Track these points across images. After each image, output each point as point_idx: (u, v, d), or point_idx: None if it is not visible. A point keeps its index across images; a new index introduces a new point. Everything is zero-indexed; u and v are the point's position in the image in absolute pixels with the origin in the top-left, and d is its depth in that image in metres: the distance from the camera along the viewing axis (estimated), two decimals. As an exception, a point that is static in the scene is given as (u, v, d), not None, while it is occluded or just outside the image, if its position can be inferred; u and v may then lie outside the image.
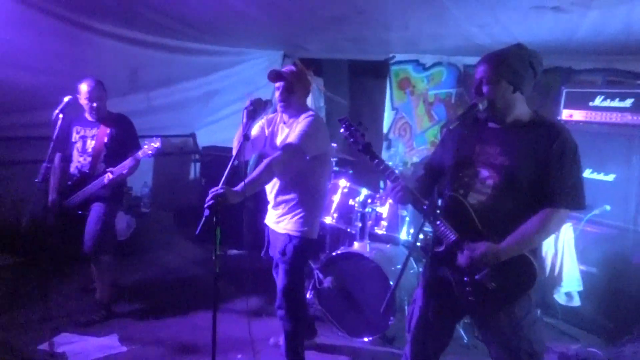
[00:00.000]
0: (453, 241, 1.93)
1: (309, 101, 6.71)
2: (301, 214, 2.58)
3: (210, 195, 2.16)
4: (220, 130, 5.90)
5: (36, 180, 2.88)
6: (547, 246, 3.30)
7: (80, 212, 3.28)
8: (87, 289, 3.57)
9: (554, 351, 3.14)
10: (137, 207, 5.03)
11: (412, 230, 3.31)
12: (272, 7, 3.57)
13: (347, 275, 3.21)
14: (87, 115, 3.30)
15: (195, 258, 4.69)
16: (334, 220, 3.51)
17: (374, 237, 3.42)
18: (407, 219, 3.36)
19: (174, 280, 4.17)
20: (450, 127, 1.90)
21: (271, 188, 2.66)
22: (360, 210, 3.42)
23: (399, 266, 3.25)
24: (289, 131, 2.55)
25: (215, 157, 5.34)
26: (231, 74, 5.73)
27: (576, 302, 3.32)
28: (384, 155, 5.80)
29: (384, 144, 5.90)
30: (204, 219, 2.14)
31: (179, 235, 5.12)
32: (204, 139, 5.99)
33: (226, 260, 4.74)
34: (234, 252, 4.86)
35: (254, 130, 2.69)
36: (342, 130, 2.17)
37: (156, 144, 3.09)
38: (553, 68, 4.37)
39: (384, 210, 3.41)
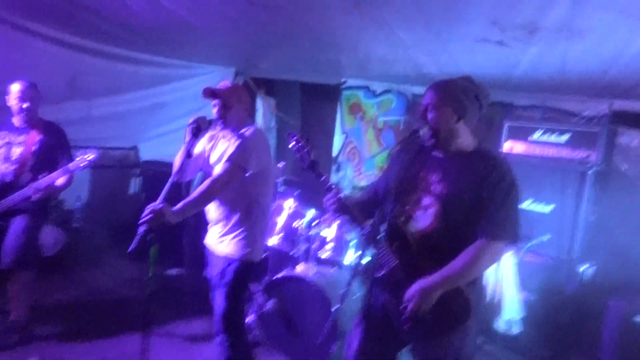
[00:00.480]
0: (393, 267, 1.90)
1: (259, 120, 6.69)
2: (242, 235, 2.48)
3: (147, 211, 2.05)
4: (165, 144, 5.67)
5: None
6: (489, 274, 3.35)
7: (1, 222, 3.01)
8: (1, 310, 3.24)
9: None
10: (68, 221, 4.70)
11: (357, 254, 3.27)
12: (219, 19, 3.50)
13: (290, 299, 3.11)
14: (15, 120, 3.06)
15: (129, 277, 4.41)
16: (278, 242, 3.41)
17: (319, 261, 3.34)
18: (353, 242, 3.31)
19: (103, 300, 3.89)
20: (391, 152, 1.90)
21: (212, 205, 2.53)
22: (305, 232, 3.34)
23: (342, 290, 3.18)
24: (227, 146, 2.47)
25: (158, 172, 5.11)
26: (179, 87, 5.57)
27: (515, 329, 3.38)
28: (333, 177, 5.80)
29: (333, 167, 5.90)
30: (138, 236, 2.02)
31: (112, 253, 4.81)
32: (147, 153, 5.75)
33: (164, 279, 4.49)
34: (174, 271, 4.62)
35: (198, 148, 2.59)
36: (290, 144, 2.12)
37: (90, 155, 2.90)
38: (497, 102, 4.55)
39: (329, 233, 3.35)
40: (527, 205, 3.54)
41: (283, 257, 3.49)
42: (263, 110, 6.74)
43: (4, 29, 3.74)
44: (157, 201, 2.11)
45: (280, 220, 3.45)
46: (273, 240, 3.42)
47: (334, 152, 5.90)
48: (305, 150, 2.07)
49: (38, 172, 2.98)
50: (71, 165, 2.92)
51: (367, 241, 1.96)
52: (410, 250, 1.89)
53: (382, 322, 2.00)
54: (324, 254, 3.33)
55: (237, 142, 2.40)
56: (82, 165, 2.91)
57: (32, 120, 3.08)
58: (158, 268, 4.14)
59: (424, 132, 1.92)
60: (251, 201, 2.48)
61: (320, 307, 2.99)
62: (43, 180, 2.91)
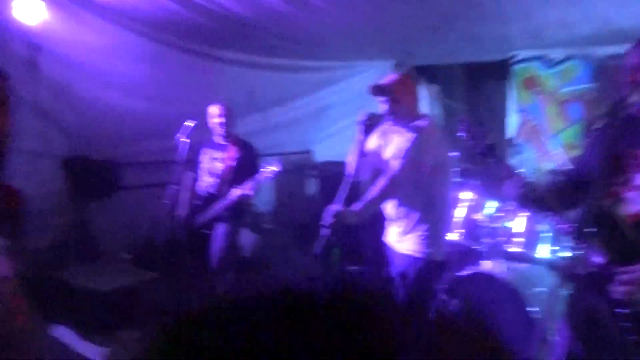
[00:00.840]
0: (602, 263, 1.60)
1: (424, 109, 6.49)
2: (424, 233, 2.40)
3: (327, 214, 2.10)
4: (336, 145, 5.87)
5: (165, 202, 3.07)
6: None
7: (206, 231, 3.43)
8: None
9: None
10: (259, 223, 5.19)
11: (553, 248, 2.90)
12: (379, 13, 3.45)
13: (477, 298, 2.91)
14: (216, 138, 3.45)
15: (314, 275, 4.67)
16: (458, 237, 3.22)
17: (507, 256, 3.06)
18: (547, 234, 2.95)
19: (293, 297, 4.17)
20: (595, 127, 1.58)
21: (391, 202, 2.50)
22: (489, 225, 3.08)
23: (540, 288, 2.87)
24: (402, 140, 2.40)
25: (334, 173, 5.33)
26: (343, 88, 5.74)
27: None
28: (512, 162, 5.32)
29: (511, 150, 5.40)
30: (322, 239, 2.09)
31: (298, 251, 5.17)
32: (321, 155, 6.05)
33: (344, 276, 4.65)
34: (354, 268, 4.76)
35: (371, 145, 2.56)
36: (460, 132, 1.95)
37: (275, 167, 3.13)
38: None
39: (517, 225, 3.04)
40: None
41: (465, 253, 3.29)
42: (427, 99, 6.54)
43: (195, 59, 4.30)
44: (336, 203, 2.16)
45: (460, 214, 3.25)
46: (453, 236, 3.25)
47: (510, 134, 5.40)
48: (480, 134, 1.88)
49: (235, 183, 3.34)
50: (259, 177, 3.17)
51: (566, 233, 1.71)
52: (623, 239, 1.58)
53: (592, 329, 1.72)
54: (512, 248, 3.04)
55: (411, 136, 2.32)
56: (269, 175, 3.15)
57: (230, 138, 3.45)
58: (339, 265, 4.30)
59: (635, 99, 1.58)
60: (431, 196, 2.39)
61: (512, 308, 2.74)
62: (238, 191, 3.22)
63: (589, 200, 1.73)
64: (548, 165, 5.06)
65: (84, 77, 3.69)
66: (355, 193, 2.31)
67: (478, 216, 3.15)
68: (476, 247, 3.18)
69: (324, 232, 2.11)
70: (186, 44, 4.20)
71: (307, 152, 6.10)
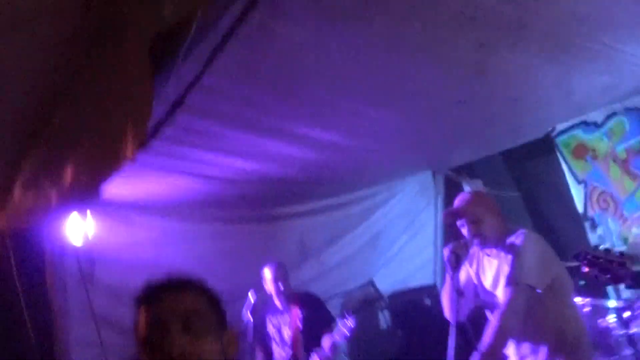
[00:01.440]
0: None
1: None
2: None
3: None
4: (397, 269, 5.62)
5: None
6: None
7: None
8: None
9: None
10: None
11: None
12: (415, 135, 3.39)
13: None
14: (276, 302, 3.24)
15: None
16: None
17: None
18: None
19: None
20: None
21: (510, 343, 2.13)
22: (622, 330, 2.58)
23: None
24: (498, 264, 2.11)
25: (404, 302, 4.95)
26: (388, 210, 5.64)
27: None
28: (592, 238, 4.83)
29: (586, 224, 4.95)
30: None
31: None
32: (383, 283, 5.68)
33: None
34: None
35: (462, 277, 2.28)
36: (585, 269, 1.63)
37: (349, 322, 2.85)
38: None
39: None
40: None
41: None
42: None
43: (240, 226, 4.26)
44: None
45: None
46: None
47: (580, 209, 4.99)
48: (613, 263, 1.55)
49: (310, 345, 3.02)
50: (337, 337, 2.87)
51: None
52: None
53: None
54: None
55: (510, 258, 2.04)
56: (346, 333, 2.84)
57: (290, 298, 3.24)
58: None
59: None
60: (558, 321, 2.04)
61: None
62: (320, 354, 2.90)
63: None
64: (633, 230, 4.58)
65: (140, 274, 3.60)
66: (465, 342, 1.96)
67: (603, 322, 2.66)
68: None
69: None
70: (230, 214, 4.20)
71: (370, 283, 5.75)
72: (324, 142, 2.89)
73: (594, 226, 4.90)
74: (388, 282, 5.61)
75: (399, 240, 5.64)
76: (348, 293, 5.60)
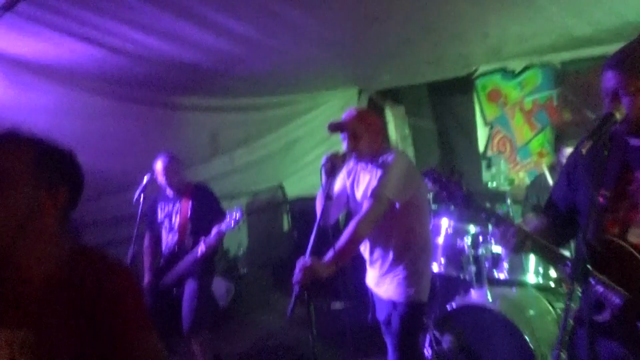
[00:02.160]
0: (620, 304, 1.41)
1: (392, 131, 6.44)
2: (403, 273, 2.25)
3: (297, 270, 1.93)
4: (306, 176, 5.79)
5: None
6: None
7: (174, 290, 3.21)
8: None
9: None
10: (235, 269, 4.96)
11: (542, 270, 2.78)
12: (336, 44, 3.37)
13: (469, 331, 2.75)
14: (167, 191, 3.27)
15: (296, 317, 4.45)
16: (441, 267, 3.08)
17: (495, 282, 2.93)
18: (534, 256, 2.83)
19: (275, 344, 3.98)
20: (583, 151, 1.43)
21: (364, 245, 2.35)
22: (472, 251, 2.95)
23: (531, 312, 2.73)
24: (369, 178, 2.27)
25: (306, 207, 5.18)
26: (307, 120, 5.65)
27: None
28: (485, 176, 5.27)
29: (483, 163, 5.36)
30: (294, 297, 1.92)
31: (278, 293, 4.94)
32: (292, 188, 5.89)
33: (328, 316, 4.44)
34: (337, 305, 4.55)
35: (337, 186, 2.43)
36: (430, 184, 1.78)
37: (237, 215, 2.96)
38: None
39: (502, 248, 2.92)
40: None
41: (451, 283, 3.15)
42: (394, 121, 6.49)
43: (149, 109, 4.13)
44: (306, 255, 1.99)
45: (441, 242, 3.12)
46: (435, 266, 3.11)
47: (481, 148, 5.36)
48: (452, 183, 1.71)
49: (197, 234, 3.13)
50: (223, 227, 2.99)
51: (571, 275, 1.45)
52: None
53: None
54: (501, 274, 2.90)
55: (378, 173, 2.19)
56: (232, 225, 2.96)
57: (181, 188, 3.27)
58: (322, 301, 4.06)
59: (622, 114, 1.45)
60: (407, 233, 2.26)
61: (507, 337, 2.59)
62: (206, 241, 3.03)
63: (586, 232, 1.56)
64: (520, 175, 5.04)
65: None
66: (327, 238, 2.13)
67: (460, 243, 3.01)
68: (462, 276, 3.03)
69: (295, 289, 1.92)
70: (139, 94, 4.03)
71: (279, 187, 5.93)
72: (238, 34, 2.80)
73: (489, 165, 5.33)
74: (297, 188, 5.82)
75: (315, 150, 5.74)
76: (256, 193, 5.77)
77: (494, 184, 4.23)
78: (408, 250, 2.25)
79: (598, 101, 1.56)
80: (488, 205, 1.83)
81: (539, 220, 1.80)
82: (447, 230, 3.11)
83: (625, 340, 1.43)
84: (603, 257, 1.48)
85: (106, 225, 4.11)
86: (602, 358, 1.50)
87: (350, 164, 2.40)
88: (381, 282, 2.31)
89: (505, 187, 4.67)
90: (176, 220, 3.23)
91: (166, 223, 3.28)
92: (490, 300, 2.71)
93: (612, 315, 1.45)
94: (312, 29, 2.91)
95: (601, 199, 1.53)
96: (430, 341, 2.87)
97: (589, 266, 1.44)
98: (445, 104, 6.22)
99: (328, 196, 2.13)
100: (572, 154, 1.72)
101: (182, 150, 4.51)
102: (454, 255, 3.05)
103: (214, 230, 3.02)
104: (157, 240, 3.34)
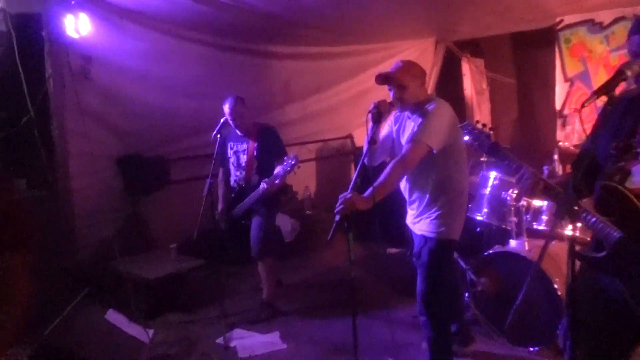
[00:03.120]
0: (616, 240, 1.54)
1: (467, 84, 6.32)
2: (436, 213, 2.42)
3: (339, 201, 2.15)
4: (376, 128, 5.92)
5: (203, 195, 3.30)
6: None
7: (244, 222, 3.63)
8: (258, 288, 3.93)
9: None
10: (301, 210, 5.35)
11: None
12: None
13: (504, 277, 2.89)
14: (237, 131, 3.57)
15: (357, 257, 4.78)
16: (485, 216, 3.21)
17: (534, 234, 3.01)
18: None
19: (334, 279, 4.32)
20: (585, 104, 1.53)
21: (404, 187, 2.55)
22: (515, 204, 3.04)
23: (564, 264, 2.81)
24: (413, 126, 2.41)
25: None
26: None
27: None
28: (559, 134, 5.10)
29: (559, 121, 5.18)
30: (334, 224, 2.15)
31: (340, 235, 5.29)
32: (362, 139, 6.07)
33: (385, 259, 4.74)
34: (394, 250, 4.82)
35: (384, 131, 2.60)
36: (465, 137, 1.97)
37: (292, 161, 3.20)
38: None
39: (543, 202, 2.98)
40: None
41: (494, 232, 3.27)
42: (470, 74, 6.36)
43: (233, 55, 4.50)
44: (348, 190, 2.19)
45: (486, 193, 3.23)
46: (481, 215, 3.24)
47: (558, 105, 5.16)
48: (484, 135, 1.89)
49: (263, 172, 3.45)
50: (280, 170, 3.25)
51: (558, 214, 1.65)
52: (636, 214, 1.51)
53: (610, 312, 1.65)
54: (540, 226, 2.98)
55: (420, 120, 2.34)
56: (289, 169, 3.22)
57: (248, 129, 3.55)
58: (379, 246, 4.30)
59: (634, 71, 1.52)
60: (443, 178, 2.41)
61: (539, 285, 2.71)
62: (262, 184, 3.33)
63: (600, 178, 1.69)
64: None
65: (131, 82, 3.99)
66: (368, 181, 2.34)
67: (504, 195, 3.10)
68: (503, 226, 3.15)
69: (336, 218, 2.15)
70: (224, 41, 4.39)
71: (348, 137, 6.16)
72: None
73: (564, 124, 5.13)
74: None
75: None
76: (326, 141, 6.05)
77: (566, 143, 4.13)
78: (444, 193, 2.41)
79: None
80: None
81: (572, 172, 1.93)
82: (493, 182, 3.20)
83: (620, 276, 1.56)
84: (606, 202, 1.61)
85: (192, 163, 4.65)
86: (601, 292, 1.66)
87: (397, 113, 2.55)
88: (417, 220, 2.51)
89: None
90: (244, 158, 3.57)
91: (234, 160, 3.62)
92: (527, 249, 2.83)
93: (609, 253, 1.57)
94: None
95: (612, 151, 1.63)
96: (467, 283, 3.06)
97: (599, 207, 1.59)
98: (528, 58, 5.99)
99: (372, 140, 2.31)
100: (604, 107, 1.79)
101: (258, 95, 4.89)
102: (498, 206, 3.15)
103: (277, 170, 3.33)
104: (229, 175, 3.72)
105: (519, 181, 1.79)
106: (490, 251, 2.98)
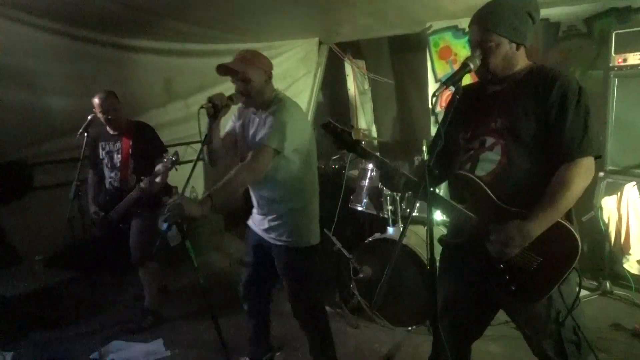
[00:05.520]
0: (474, 225, 1.68)
1: (350, 85, 6.59)
2: (291, 220, 2.30)
3: (166, 208, 1.90)
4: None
5: (70, 199, 3.02)
6: (609, 212, 2.92)
7: (121, 225, 3.39)
8: (139, 297, 3.70)
9: (626, 328, 2.77)
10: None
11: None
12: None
13: (383, 262, 3.06)
14: (109, 129, 3.33)
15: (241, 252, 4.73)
16: (364, 207, 3.36)
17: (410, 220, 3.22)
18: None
19: (221, 282, 4.22)
20: (436, 94, 1.66)
21: (252, 188, 2.39)
22: (390, 193, 3.23)
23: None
24: (257, 124, 2.26)
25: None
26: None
27: (651, 270, 2.92)
28: (433, 130, 5.52)
29: (432, 119, 5.60)
30: (160, 235, 1.94)
31: (229, 236, 5.20)
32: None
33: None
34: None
35: (229, 127, 2.45)
36: (327, 134, 1.94)
37: (173, 157, 3.00)
38: (608, 10, 3.88)
39: (415, 191, 3.20)
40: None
41: (373, 220, 3.44)
42: (353, 74, 6.63)
43: (99, 49, 4.17)
44: (179, 194, 2.01)
45: (365, 184, 3.39)
46: (361, 206, 3.38)
47: (430, 104, 5.56)
48: (344, 133, 1.92)
49: (141, 171, 3.24)
50: (161, 168, 3.05)
51: (414, 197, 1.74)
52: (486, 199, 1.66)
53: (472, 287, 1.80)
54: (414, 213, 3.20)
55: (267, 121, 2.17)
56: (170, 166, 3.02)
57: (121, 126, 3.31)
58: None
59: (476, 64, 1.68)
60: (292, 182, 2.27)
61: (415, 268, 2.90)
62: (141, 184, 3.14)
63: (453, 166, 1.83)
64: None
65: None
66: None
67: (380, 185, 3.28)
68: (381, 215, 3.32)
69: (162, 227, 1.91)
70: (93, 34, 4.06)
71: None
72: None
73: (436, 121, 5.56)
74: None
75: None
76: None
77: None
78: (294, 198, 2.29)
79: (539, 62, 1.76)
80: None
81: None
82: (371, 173, 3.37)
83: (478, 255, 1.69)
84: (460, 190, 1.77)
85: (59, 167, 4.22)
86: (463, 275, 1.81)
87: (242, 107, 2.40)
88: (269, 226, 2.34)
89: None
90: (118, 158, 3.33)
91: (107, 161, 3.36)
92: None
93: (467, 237, 1.72)
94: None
95: (461, 141, 1.79)
96: (350, 272, 3.17)
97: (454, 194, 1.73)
98: (403, 60, 6.39)
99: (206, 138, 2.13)
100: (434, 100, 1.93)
101: (137, 93, 4.61)
102: (375, 196, 3.33)
103: (157, 167, 3.14)
104: (100, 178, 3.44)
105: (382, 179, 1.88)
106: (370, 239, 3.12)
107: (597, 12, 3.94)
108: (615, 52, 3.17)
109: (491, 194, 1.66)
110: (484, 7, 1.71)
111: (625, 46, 3.12)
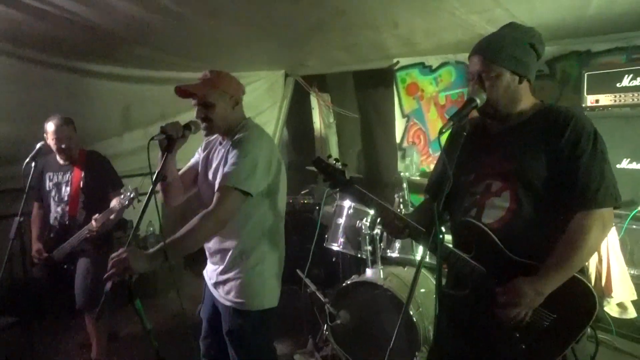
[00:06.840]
0: (480, 278, 1.53)
1: (316, 118, 6.50)
2: (247, 276, 1.95)
3: (110, 264, 1.62)
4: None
5: (10, 237, 2.66)
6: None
7: (66, 266, 3.03)
8: (84, 346, 3.31)
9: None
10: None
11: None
12: (255, 24, 3.34)
13: (362, 307, 2.86)
14: (58, 159, 3.04)
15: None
16: (341, 246, 3.18)
17: (388, 261, 3.06)
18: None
19: (180, 325, 3.88)
20: (443, 130, 1.52)
21: None
22: (369, 232, 3.07)
23: (422, 290, 2.89)
24: (222, 155, 1.94)
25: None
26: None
27: (631, 313, 2.87)
28: (400, 166, 5.47)
29: (399, 154, 5.57)
30: (103, 295, 1.61)
31: (188, 275, 4.86)
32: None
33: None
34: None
35: (194, 159, 2.17)
36: (318, 170, 1.78)
37: (131, 194, 2.75)
38: (569, 53, 4.02)
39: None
40: (625, 164, 3.00)
41: (350, 261, 3.25)
42: (319, 108, 6.56)
43: (54, 74, 3.86)
44: (126, 244, 1.68)
45: (342, 222, 3.21)
46: (337, 245, 3.20)
47: (398, 139, 5.57)
48: (336, 172, 1.77)
49: (92, 207, 2.96)
50: (116, 204, 2.80)
51: (440, 255, 1.50)
52: (495, 249, 1.51)
53: (478, 344, 1.62)
54: (393, 254, 3.04)
55: (232, 155, 1.86)
56: (126, 203, 2.78)
57: (73, 156, 3.04)
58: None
59: (482, 99, 1.55)
60: (254, 227, 1.95)
61: (396, 313, 2.72)
62: (93, 222, 2.85)
63: (456, 212, 1.68)
64: (431, 167, 5.28)
65: None
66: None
67: (358, 224, 3.11)
68: (359, 255, 3.15)
69: (106, 286, 1.60)
70: (45, 57, 3.75)
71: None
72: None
73: (404, 156, 5.54)
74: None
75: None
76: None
77: (407, 174, 4.39)
78: (255, 247, 1.97)
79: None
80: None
81: (421, 205, 1.92)
82: (348, 211, 3.21)
83: (485, 314, 1.54)
84: (465, 238, 1.61)
85: (2, 197, 3.82)
86: (467, 331, 1.64)
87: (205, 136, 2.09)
88: (220, 281, 2.02)
89: (416, 177, 4.90)
90: (66, 191, 3.02)
91: (55, 194, 3.05)
92: (382, 277, 2.84)
93: (471, 289, 1.57)
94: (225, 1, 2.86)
95: (462, 183, 1.65)
96: (326, 317, 2.95)
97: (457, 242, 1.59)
98: (369, 94, 6.38)
99: (160, 175, 1.82)
100: (450, 139, 1.79)
101: (93, 121, 4.30)
102: (353, 235, 3.16)
103: (114, 202, 2.86)
104: (45, 211, 3.12)
105: (385, 225, 1.71)
106: (348, 282, 2.93)
107: (559, 54, 4.06)
108: (588, 93, 3.20)
109: (501, 244, 1.52)
110: (484, 38, 1.62)
111: (598, 87, 3.17)
